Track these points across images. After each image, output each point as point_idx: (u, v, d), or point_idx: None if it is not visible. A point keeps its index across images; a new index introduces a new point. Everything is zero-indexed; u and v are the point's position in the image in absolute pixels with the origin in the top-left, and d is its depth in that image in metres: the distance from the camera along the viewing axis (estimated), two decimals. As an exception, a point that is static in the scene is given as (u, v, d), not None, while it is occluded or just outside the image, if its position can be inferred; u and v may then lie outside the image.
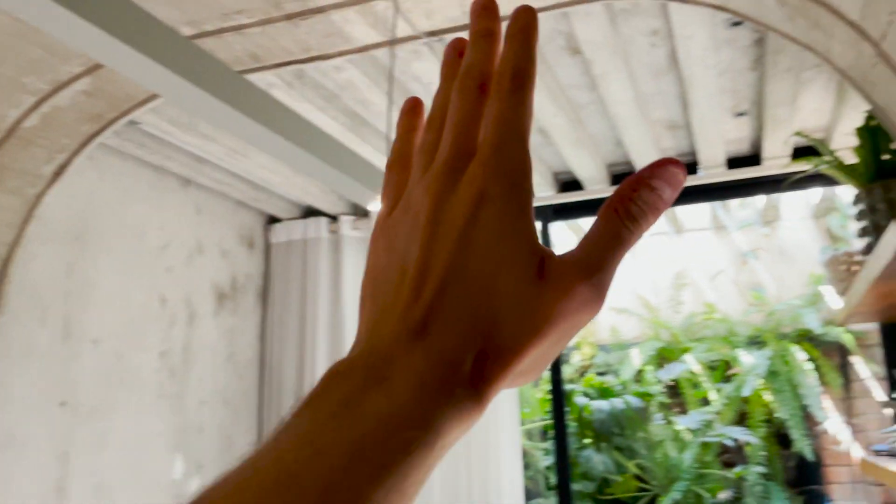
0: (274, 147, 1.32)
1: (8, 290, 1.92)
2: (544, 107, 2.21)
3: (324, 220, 3.11)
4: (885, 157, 1.63)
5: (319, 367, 2.94)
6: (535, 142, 2.65)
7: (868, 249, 1.71)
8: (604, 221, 0.28)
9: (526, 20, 0.31)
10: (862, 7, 1.13)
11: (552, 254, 0.28)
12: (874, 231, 1.64)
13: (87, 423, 2.17)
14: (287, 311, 3.07)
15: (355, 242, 3.08)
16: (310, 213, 3.19)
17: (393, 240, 0.30)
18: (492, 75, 0.31)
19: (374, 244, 0.31)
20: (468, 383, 0.25)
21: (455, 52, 0.33)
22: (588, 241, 0.28)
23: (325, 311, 3.01)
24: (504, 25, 0.32)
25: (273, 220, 3.22)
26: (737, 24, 1.85)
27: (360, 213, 3.16)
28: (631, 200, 0.28)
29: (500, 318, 0.26)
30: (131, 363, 2.37)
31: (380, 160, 1.99)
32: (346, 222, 3.07)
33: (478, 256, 0.27)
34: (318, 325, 2.99)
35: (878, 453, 2.25)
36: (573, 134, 2.42)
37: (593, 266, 0.27)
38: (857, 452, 3.49)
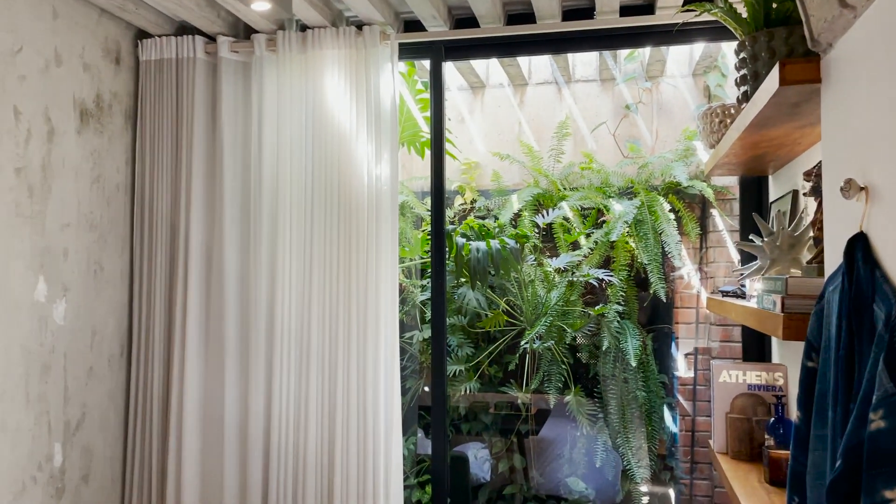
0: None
1: None
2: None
3: (199, 40, 2.87)
4: (775, 4, 1.66)
5: (196, 197, 2.82)
6: (431, -32, 2.51)
7: (745, 98, 1.78)
8: None
9: None
10: None
11: None
12: (753, 79, 1.70)
13: (-67, 239, 2.00)
14: (160, 136, 2.88)
15: (234, 66, 2.88)
16: (184, 30, 2.93)
17: None
18: None
19: None
20: None
21: None
22: None
23: (202, 138, 2.85)
24: None
25: (143, 34, 2.94)
26: None
27: (240, 34, 2.94)
28: None
29: None
30: (-18, 178, 2.17)
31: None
32: (224, 43, 2.85)
33: None
34: (195, 152, 2.84)
35: (724, 294, 2.47)
36: (472, -39, 2.30)
37: None
38: (706, 295, 3.84)
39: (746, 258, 2.78)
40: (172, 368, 2.80)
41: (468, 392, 3.97)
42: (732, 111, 2.39)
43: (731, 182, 3.75)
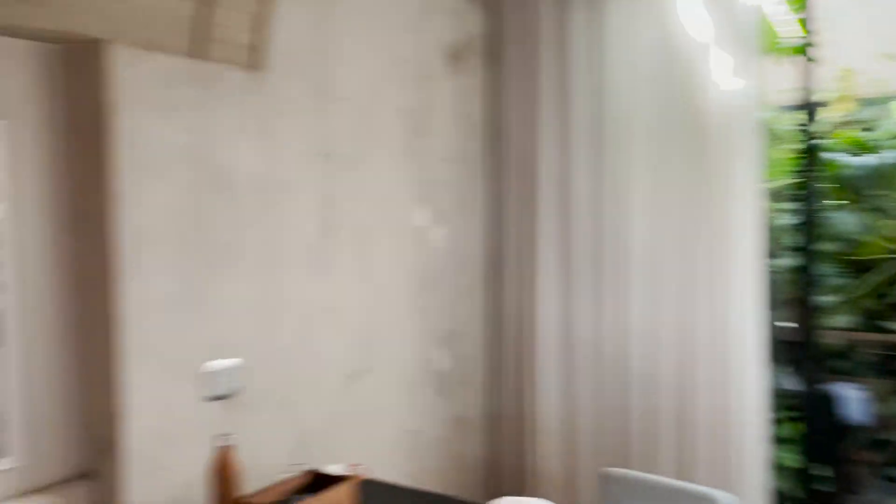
0: None
1: (268, 46, 2.07)
2: None
3: (549, -29, 2.93)
4: None
5: (547, 127, 2.92)
6: None
7: None
8: None
9: None
10: None
11: None
12: None
13: (345, 173, 2.40)
14: (514, 71, 3.03)
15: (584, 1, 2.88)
16: (533, -37, 3.02)
17: None
18: None
19: None
20: None
21: None
22: None
23: (552, 69, 2.93)
24: None
25: (497, -26, 3.10)
26: None
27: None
28: None
29: None
30: (377, 120, 2.53)
31: None
32: (572, -30, 2.87)
33: None
34: (545, 83, 2.93)
35: None
36: None
37: None
38: None
39: None
40: (530, 289, 3.00)
41: (840, 327, 3.59)
42: None
43: None
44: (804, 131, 2.61)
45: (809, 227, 2.62)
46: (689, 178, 2.67)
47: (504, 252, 3.10)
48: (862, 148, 3.26)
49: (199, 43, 1.89)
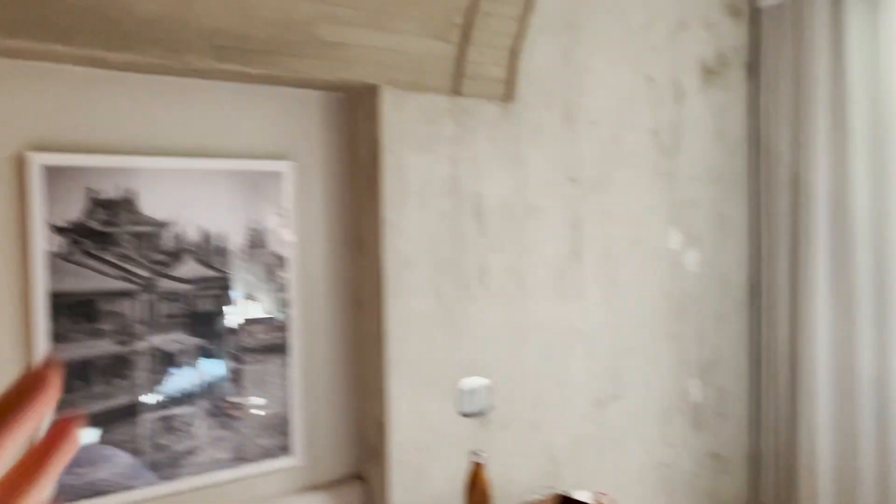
0: None
1: (519, 78, 2.15)
2: None
3: (817, -29, 2.68)
4: None
5: (818, 140, 2.66)
6: None
7: None
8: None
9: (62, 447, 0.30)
10: None
11: None
12: None
13: (592, 196, 2.40)
14: (779, 82, 2.82)
15: (861, 2, 2.60)
16: (801, -36, 2.78)
17: None
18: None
19: None
20: None
21: None
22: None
23: (825, 78, 2.67)
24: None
25: (758, -19, 2.91)
26: None
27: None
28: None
29: None
30: (625, 142, 2.49)
31: None
32: (849, -31, 2.60)
33: None
34: (817, 93, 2.67)
35: None
36: None
37: None
38: None
39: None
40: (798, 316, 2.74)
41: None
42: None
43: None
44: None
45: None
46: None
47: (768, 276, 2.87)
48: None
49: (457, 81, 2.02)
